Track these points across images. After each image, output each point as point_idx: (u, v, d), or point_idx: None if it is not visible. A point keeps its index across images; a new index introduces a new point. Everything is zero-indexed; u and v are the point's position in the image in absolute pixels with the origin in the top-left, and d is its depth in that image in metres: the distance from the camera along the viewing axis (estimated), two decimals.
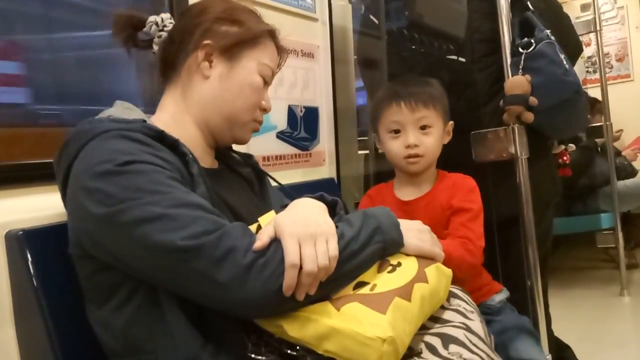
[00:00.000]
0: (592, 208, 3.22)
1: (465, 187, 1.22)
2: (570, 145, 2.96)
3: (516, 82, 1.34)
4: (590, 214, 3.21)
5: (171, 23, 0.95)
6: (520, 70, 1.35)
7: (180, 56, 0.91)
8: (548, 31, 1.36)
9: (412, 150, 1.20)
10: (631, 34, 4.41)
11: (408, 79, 1.32)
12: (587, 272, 3.52)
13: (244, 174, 1.02)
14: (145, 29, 0.94)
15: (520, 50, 1.36)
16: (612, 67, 4.44)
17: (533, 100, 1.31)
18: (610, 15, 4.41)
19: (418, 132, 1.21)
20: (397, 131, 1.22)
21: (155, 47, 0.95)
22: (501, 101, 1.39)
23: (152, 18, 0.94)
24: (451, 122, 1.27)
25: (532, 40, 1.35)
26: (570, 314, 2.68)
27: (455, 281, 0.94)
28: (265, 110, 0.97)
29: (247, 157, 1.06)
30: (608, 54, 4.38)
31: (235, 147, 1.06)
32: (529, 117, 1.33)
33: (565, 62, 1.34)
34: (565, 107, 1.35)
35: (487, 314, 1.16)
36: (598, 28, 3.02)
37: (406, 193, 1.27)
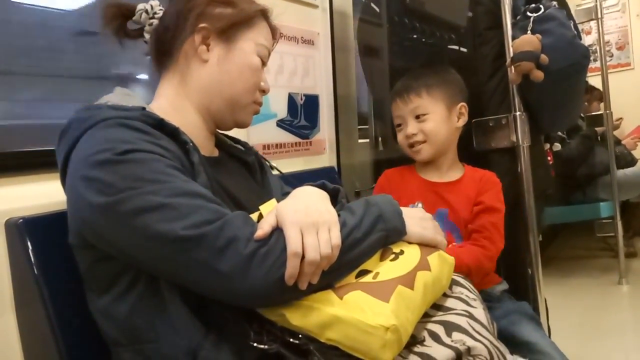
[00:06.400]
0: (591, 197, 3.23)
1: (495, 184, 1.27)
2: (556, 144, 2.96)
3: (526, 39, 1.30)
4: (589, 203, 3.21)
5: (161, 10, 0.93)
6: (529, 32, 1.31)
7: (176, 42, 0.90)
8: (555, 2, 1.35)
9: (412, 139, 1.27)
10: (632, 22, 4.38)
11: (413, 72, 1.34)
12: (586, 260, 3.53)
13: (247, 161, 1.01)
14: (135, 18, 0.92)
15: (529, 14, 1.34)
16: (612, 56, 4.42)
17: (544, 58, 1.26)
18: (611, 3, 4.39)
19: (415, 122, 1.27)
20: (400, 125, 1.31)
21: (147, 36, 0.93)
22: (508, 61, 1.35)
23: (141, 6, 0.92)
24: (462, 104, 1.29)
25: (541, 5, 1.34)
26: (569, 302, 2.69)
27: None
28: (264, 92, 0.96)
29: (247, 147, 1.05)
30: (609, 42, 4.35)
31: (234, 134, 1.05)
32: (539, 75, 1.27)
33: (573, 28, 1.32)
34: (573, 72, 1.33)
35: (488, 301, 1.16)
36: (599, 16, 3.00)
37: (431, 175, 1.31)
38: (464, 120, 1.30)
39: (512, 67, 1.33)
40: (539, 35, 1.29)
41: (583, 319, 2.48)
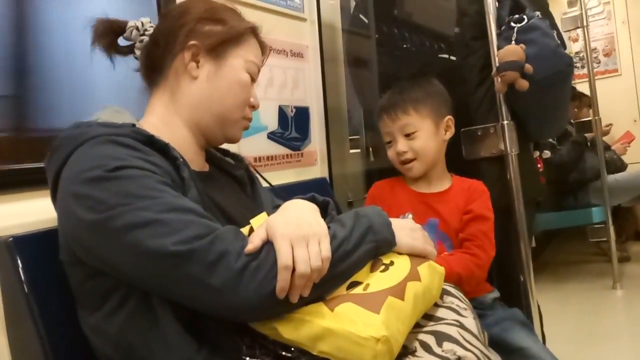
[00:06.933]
0: (583, 202, 3.25)
1: (483, 193, 1.28)
2: (545, 152, 3.00)
3: (510, 50, 1.31)
4: (581, 208, 3.23)
5: (151, 27, 0.94)
6: (513, 42, 1.33)
7: (166, 59, 0.91)
8: (538, 12, 1.37)
9: (402, 157, 1.27)
10: (618, 28, 4.44)
11: (397, 86, 1.34)
12: (580, 266, 3.55)
13: (237, 175, 1.01)
14: (125, 35, 0.93)
15: (513, 24, 1.36)
16: (599, 62, 4.47)
17: (529, 67, 1.28)
18: (597, 11, 4.45)
19: (404, 140, 1.27)
20: (390, 142, 1.31)
21: (137, 52, 0.94)
22: (493, 71, 1.37)
23: (132, 23, 0.93)
24: (449, 117, 1.30)
25: (524, 16, 1.36)
26: (563, 307, 2.70)
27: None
28: (253, 107, 0.97)
29: (238, 159, 1.05)
30: (595, 49, 4.41)
31: (226, 148, 1.05)
32: (524, 84, 1.29)
33: (557, 38, 1.34)
34: (557, 81, 1.34)
35: (479, 308, 1.17)
36: (585, 24, 3.04)
37: (420, 187, 1.32)
38: (451, 133, 1.31)
39: (498, 77, 1.35)
40: (523, 45, 1.31)
41: (577, 324, 2.49)
